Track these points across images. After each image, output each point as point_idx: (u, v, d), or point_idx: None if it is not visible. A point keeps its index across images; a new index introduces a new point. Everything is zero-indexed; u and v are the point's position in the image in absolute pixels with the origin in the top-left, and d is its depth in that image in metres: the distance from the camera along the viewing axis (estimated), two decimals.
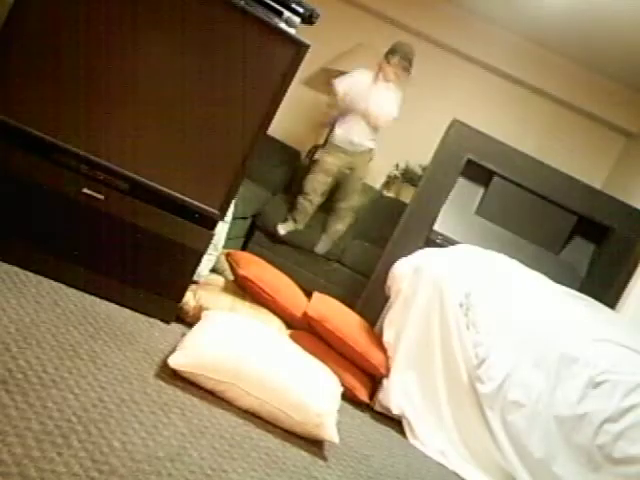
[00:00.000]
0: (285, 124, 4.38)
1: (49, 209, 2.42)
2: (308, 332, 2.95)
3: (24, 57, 2.34)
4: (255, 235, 4.32)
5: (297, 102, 4.58)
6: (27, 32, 2.32)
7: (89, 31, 2.35)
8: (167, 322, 2.58)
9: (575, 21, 4.42)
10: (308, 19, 2.52)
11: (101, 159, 2.42)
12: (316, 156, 4.44)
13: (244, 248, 4.24)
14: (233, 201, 2.66)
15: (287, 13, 2.47)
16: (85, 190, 2.42)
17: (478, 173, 3.87)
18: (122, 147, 2.46)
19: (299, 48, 2.45)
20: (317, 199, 4.31)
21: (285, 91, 2.47)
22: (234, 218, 3.33)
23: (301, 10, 2.49)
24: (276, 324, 2.92)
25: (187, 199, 2.51)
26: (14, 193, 2.38)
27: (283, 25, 2.46)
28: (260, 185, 4.57)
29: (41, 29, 2.33)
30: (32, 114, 2.36)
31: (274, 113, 2.49)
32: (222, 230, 3.12)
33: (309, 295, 3.26)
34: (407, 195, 4.98)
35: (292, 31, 2.47)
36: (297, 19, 2.49)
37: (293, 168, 5.05)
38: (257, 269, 3.05)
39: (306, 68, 5.05)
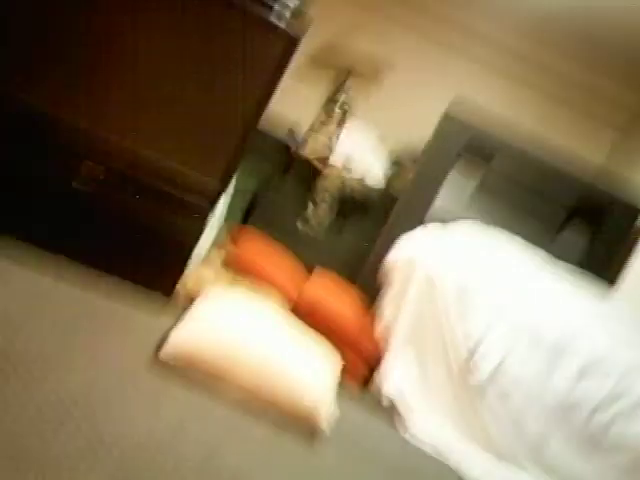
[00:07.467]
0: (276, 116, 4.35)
1: (41, 200, 2.41)
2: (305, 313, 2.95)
3: (20, 43, 2.32)
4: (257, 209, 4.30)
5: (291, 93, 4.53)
6: (24, 10, 2.30)
7: (87, 14, 2.33)
8: (166, 295, 2.57)
9: (569, 16, 4.36)
10: (298, 12, 2.50)
11: (100, 136, 2.42)
12: None
13: (245, 222, 4.22)
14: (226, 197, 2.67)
15: (277, 6, 2.44)
16: (74, 184, 2.41)
17: (474, 161, 3.84)
18: (118, 127, 2.45)
19: (289, 41, 2.43)
20: None
21: (279, 79, 2.45)
22: (236, 191, 3.31)
23: (291, 4, 2.46)
24: (277, 299, 2.92)
25: (183, 181, 2.51)
26: (4, 185, 2.37)
27: (273, 18, 2.43)
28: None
29: (39, 7, 2.31)
30: (27, 102, 2.35)
31: (268, 100, 2.47)
32: (224, 203, 3.11)
33: (311, 271, 3.25)
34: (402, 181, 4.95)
35: (282, 24, 2.46)
36: (287, 12, 2.46)
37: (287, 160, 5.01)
38: (256, 246, 3.05)
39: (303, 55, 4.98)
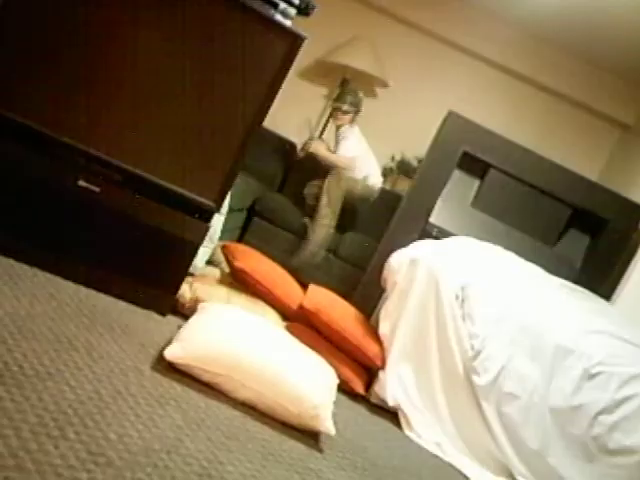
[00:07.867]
0: (281, 116, 4.38)
1: (44, 201, 2.40)
2: (304, 324, 2.96)
3: (18, 47, 2.33)
4: (253, 224, 4.32)
5: (293, 94, 4.58)
6: (21, 22, 2.31)
7: (84, 22, 2.35)
8: (163, 314, 2.57)
9: (571, 13, 4.40)
10: (304, 10, 2.51)
11: (96, 151, 2.42)
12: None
13: (240, 240, 4.23)
14: (229, 193, 2.66)
15: (283, 4, 2.46)
16: (81, 182, 2.41)
17: (474, 165, 3.87)
18: (117, 139, 2.45)
19: (295, 40, 2.44)
20: None
21: (281, 83, 2.46)
22: (230, 210, 3.32)
23: (297, 1, 2.47)
24: (272, 316, 2.92)
25: (182, 191, 2.50)
26: (8, 186, 2.37)
27: (279, 17, 2.45)
28: (255, 177, 4.56)
29: (36, 19, 2.32)
30: (27, 105, 2.35)
31: (270, 105, 2.48)
32: (218, 222, 3.12)
33: (305, 287, 3.26)
34: (403, 187, 4.99)
35: (288, 23, 2.46)
36: (293, 10, 2.48)
37: (289, 160, 5.05)
38: (253, 261, 3.06)
39: (303, 60, 5.06)
